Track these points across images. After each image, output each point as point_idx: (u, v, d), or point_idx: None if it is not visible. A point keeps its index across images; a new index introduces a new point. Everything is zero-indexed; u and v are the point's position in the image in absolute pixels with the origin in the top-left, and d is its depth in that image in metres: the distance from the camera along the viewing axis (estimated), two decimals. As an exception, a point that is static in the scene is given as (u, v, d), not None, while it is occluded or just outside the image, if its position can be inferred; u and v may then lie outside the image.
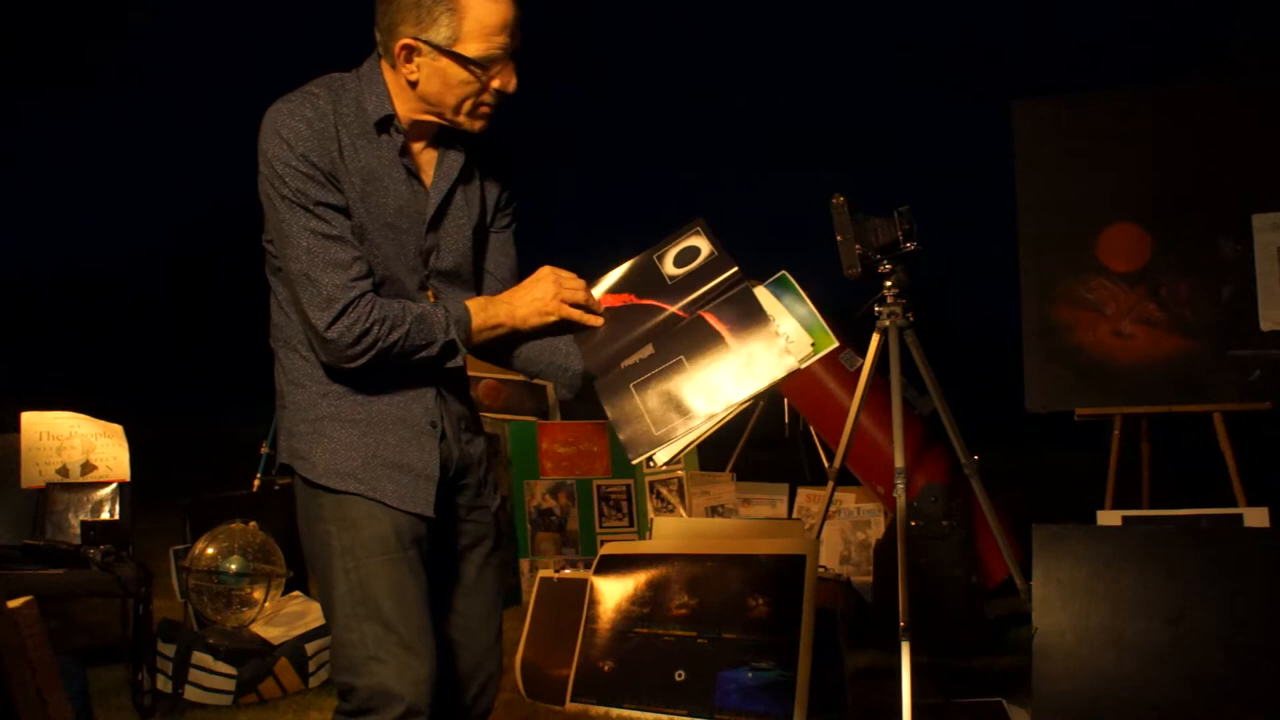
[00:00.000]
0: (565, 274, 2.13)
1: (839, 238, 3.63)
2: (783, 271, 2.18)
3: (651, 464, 2.13)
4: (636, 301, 2.16)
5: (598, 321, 2.14)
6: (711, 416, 2.08)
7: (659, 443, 2.09)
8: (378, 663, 1.95)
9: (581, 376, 2.16)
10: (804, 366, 2.10)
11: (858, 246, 3.62)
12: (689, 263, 2.18)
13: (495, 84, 2.01)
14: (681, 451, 2.11)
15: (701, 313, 2.14)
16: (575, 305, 2.12)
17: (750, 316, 2.11)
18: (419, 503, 2.04)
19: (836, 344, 2.12)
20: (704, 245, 2.19)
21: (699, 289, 2.15)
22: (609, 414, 2.12)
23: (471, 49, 1.96)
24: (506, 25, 1.97)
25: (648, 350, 2.13)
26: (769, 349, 2.08)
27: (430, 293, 2.09)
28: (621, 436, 2.11)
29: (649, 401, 2.10)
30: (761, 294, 2.15)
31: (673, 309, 2.15)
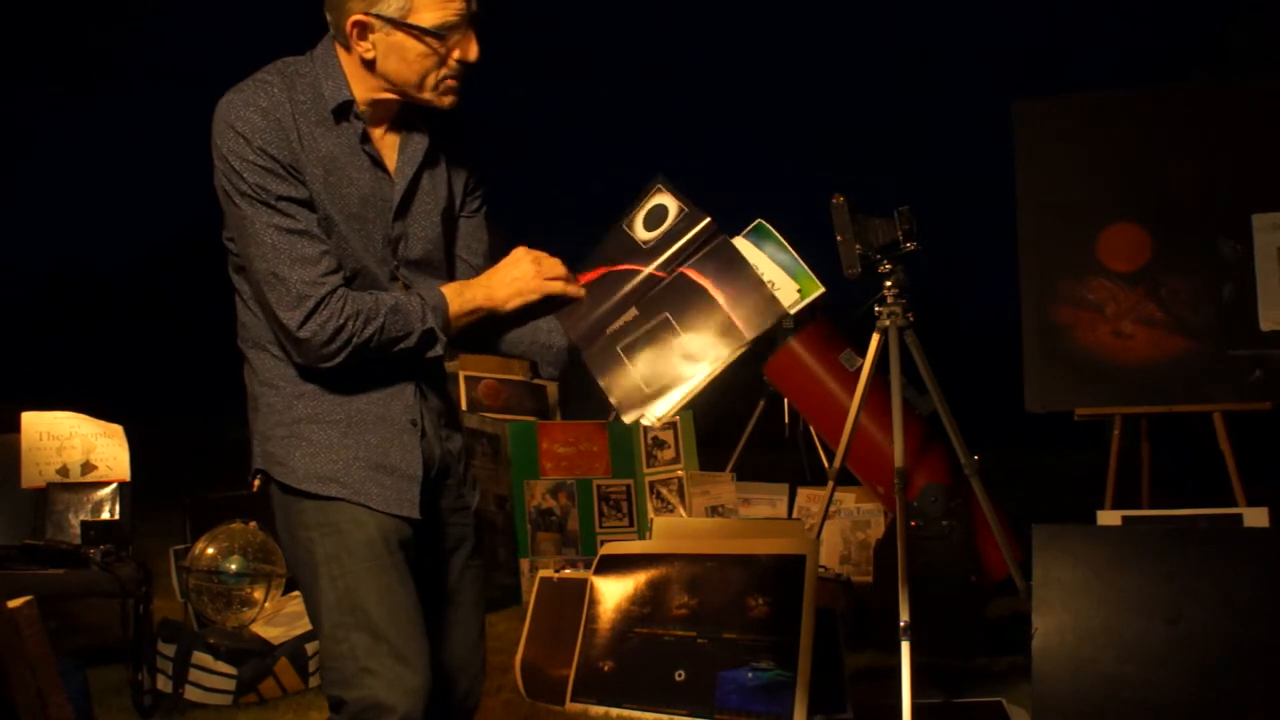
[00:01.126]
0: (541, 254, 2.06)
1: (839, 238, 3.63)
2: (759, 220, 2.10)
3: (645, 422, 2.05)
4: (612, 269, 2.11)
5: (579, 293, 2.08)
6: (702, 370, 2.01)
7: (650, 399, 2.02)
8: (369, 674, 1.89)
9: (567, 352, 2.10)
10: (794, 313, 2.04)
11: (858, 246, 3.62)
12: (660, 223, 2.11)
13: (455, 54, 1.92)
14: (675, 408, 2.04)
15: (682, 269, 2.08)
16: (555, 279, 2.06)
17: (732, 267, 2.04)
18: (404, 505, 1.98)
19: (823, 289, 2.06)
20: (671, 203, 2.13)
21: (673, 246, 2.09)
22: (599, 380, 2.06)
23: (426, 18, 1.87)
24: None
25: (631, 313, 2.08)
26: (756, 298, 2.02)
27: (401, 284, 2.02)
28: (613, 400, 2.05)
29: (638, 362, 2.04)
30: (741, 244, 2.08)
31: (649, 269, 2.09)
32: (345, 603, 1.93)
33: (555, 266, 2.06)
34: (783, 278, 2.04)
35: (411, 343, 1.96)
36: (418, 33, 1.88)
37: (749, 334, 2.02)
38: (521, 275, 2.03)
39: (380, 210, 1.99)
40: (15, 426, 4.60)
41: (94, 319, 22.35)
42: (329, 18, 1.94)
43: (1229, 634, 2.90)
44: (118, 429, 4.67)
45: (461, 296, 2.01)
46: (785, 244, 2.07)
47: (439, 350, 2.00)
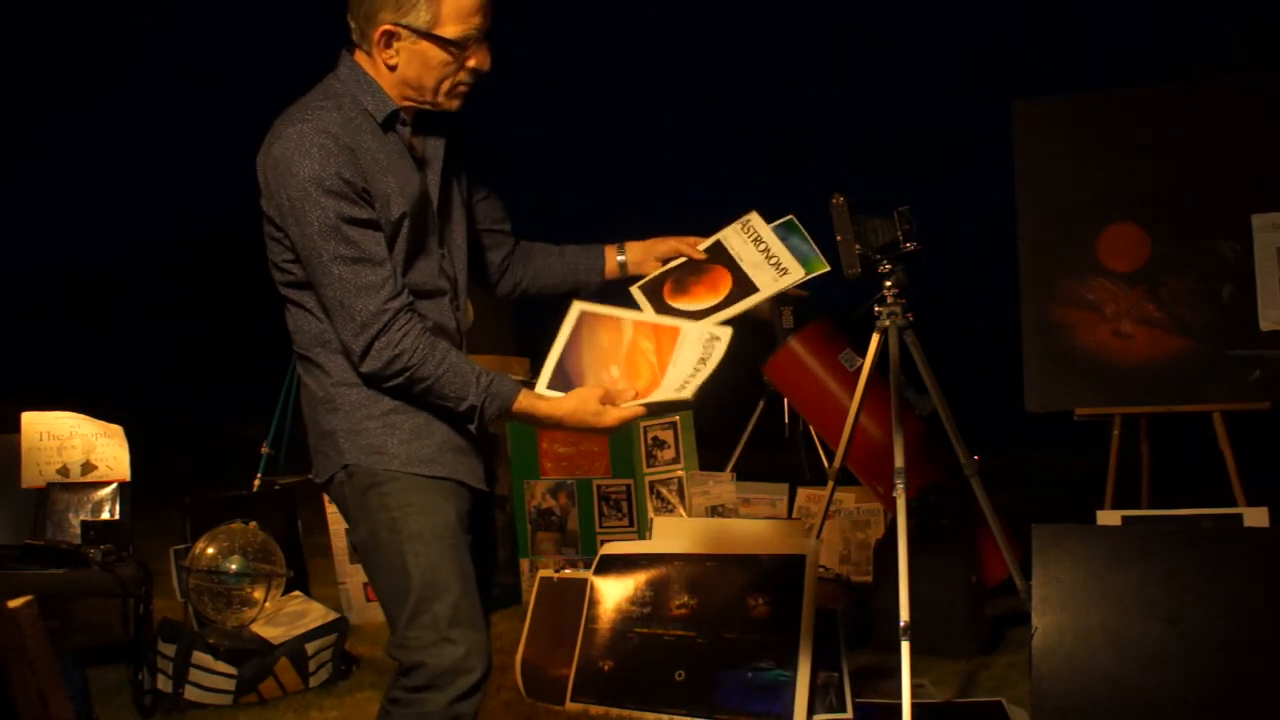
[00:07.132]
0: (633, 410, 2.16)
1: (839, 238, 3.62)
2: (790, 216, 2.36)
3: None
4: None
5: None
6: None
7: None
8: (449, 644, 2.07)
9: (600, 286, 2.41)
10: (790, 286, 2.28)
11: (858, 246, 3.62)
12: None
13: (471, 63, 2.11)
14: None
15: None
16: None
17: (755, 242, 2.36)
18: (478, 479, 2.20)
19: (828, 268, 2.35)
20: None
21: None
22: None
23: (450, 31, 2.06)
24: (481, 7, 2.08)
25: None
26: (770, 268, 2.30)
27: (445, 275, 2.19)
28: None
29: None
30: (761, 226, 2.33)
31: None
32: (429, 577, 2.09)
33: (619, 425, 2.17)
34: (793, 264, 2.28)
35: (456, 407, 2.11)
36: (441, 43, 2.07)
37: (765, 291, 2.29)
38: (592, 424, 2.14)
39: (427, 205, 2.17)
40: (15, 426, 4.60)
41: (95, 318, 22.36)
42: (354, 25, 2.11)
43: (1229, 634, 2.90)
44: (118, 429, 4.67)
45: (534, 404, 2.15)
46: (807, 236, 2.32)
47: (472, 428, 2.16)
